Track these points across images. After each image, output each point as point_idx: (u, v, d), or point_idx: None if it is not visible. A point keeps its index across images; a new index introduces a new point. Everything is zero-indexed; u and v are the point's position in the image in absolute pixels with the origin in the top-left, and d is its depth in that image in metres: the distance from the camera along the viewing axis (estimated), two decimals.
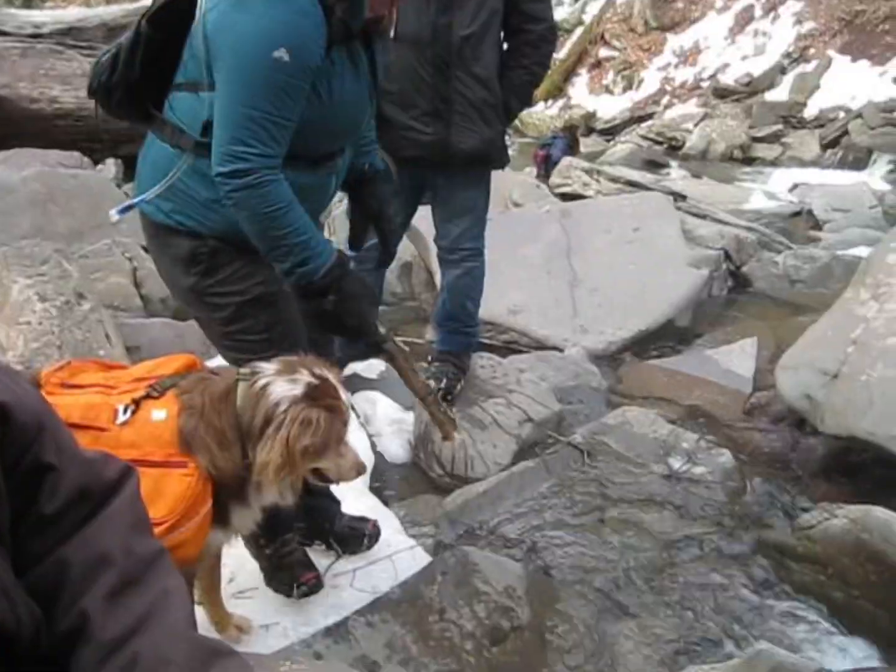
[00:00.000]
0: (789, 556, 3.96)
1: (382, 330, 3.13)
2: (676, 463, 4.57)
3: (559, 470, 4.46)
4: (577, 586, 3.70)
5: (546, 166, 14.57)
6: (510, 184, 9.96)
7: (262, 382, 2.56)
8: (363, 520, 3.72)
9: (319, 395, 2.58)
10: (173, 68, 2.88)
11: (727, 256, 8.30)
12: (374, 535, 3.68)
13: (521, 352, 6.09)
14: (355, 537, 3.64)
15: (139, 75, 2.92)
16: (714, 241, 8.39)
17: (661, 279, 7.21)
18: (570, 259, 7.31)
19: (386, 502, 4.24)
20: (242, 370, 2.65)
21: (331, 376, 2.64)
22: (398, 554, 3.69)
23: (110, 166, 11.07)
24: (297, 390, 2.55)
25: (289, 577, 3.35)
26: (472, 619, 3.34)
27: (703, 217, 9.16)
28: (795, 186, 14.61)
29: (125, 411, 2.47)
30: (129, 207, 3.00)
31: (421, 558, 3.66)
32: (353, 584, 3.50)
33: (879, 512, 3.77)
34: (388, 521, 3.94)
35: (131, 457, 2.33)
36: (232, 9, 2.61)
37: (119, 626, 1.37)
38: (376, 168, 3.37)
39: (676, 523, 4.14)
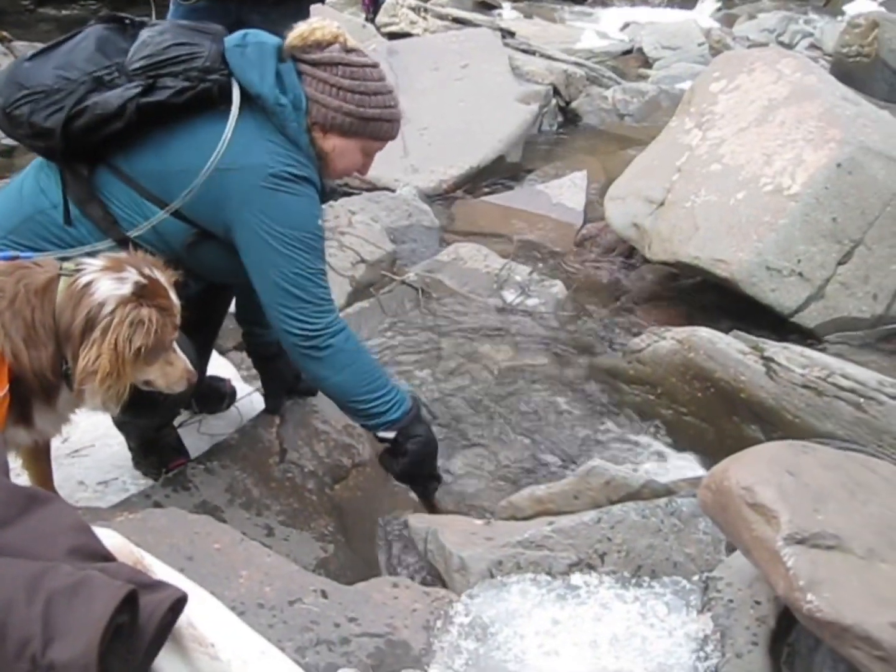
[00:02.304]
0: (621, 379, 4.08)
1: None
2: (510, 296, 4.62)
3: (395, 309, 4.45)
4: None
5: (375, 7, 14.14)
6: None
7: (85, 279, 2.31)
8: (220, 380, 3.64)
9: (149, 295, 2.37)
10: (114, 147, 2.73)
11: (556, 92, 8.28)
12: (233, 394, 3.62)
13: (351, 194, 5.98)
14: (215, 397, 3.57)
15: (96, 141, 2.68)
16: (543, 77, 8.34)
17: (490, 116, 7.16)
18: (399, 98, 7.15)
19: (222, 352, 4.15)
20: (66, 265, 2.39)
21: (161, 276, 2.44)
22: (238, 401, 3.63)
23: None
24: (125, 289, 2.32)
25: (158, 461, 3.23)
26: (313, 458, 3.34)
27: (532, 53, 9.08)
28: (626, 25, 14.66)
29: None
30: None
31: (259, 403, 3.61)
32: (199, 430, 3.45)
33: (704, 332, 3.90)
34: (227, 370, 3.87)
35: None
36: (271, 188, 2.68)
37: None
38: None
39: (512, 354, 4.20)
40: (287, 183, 2.70)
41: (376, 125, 2.83)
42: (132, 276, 2.35)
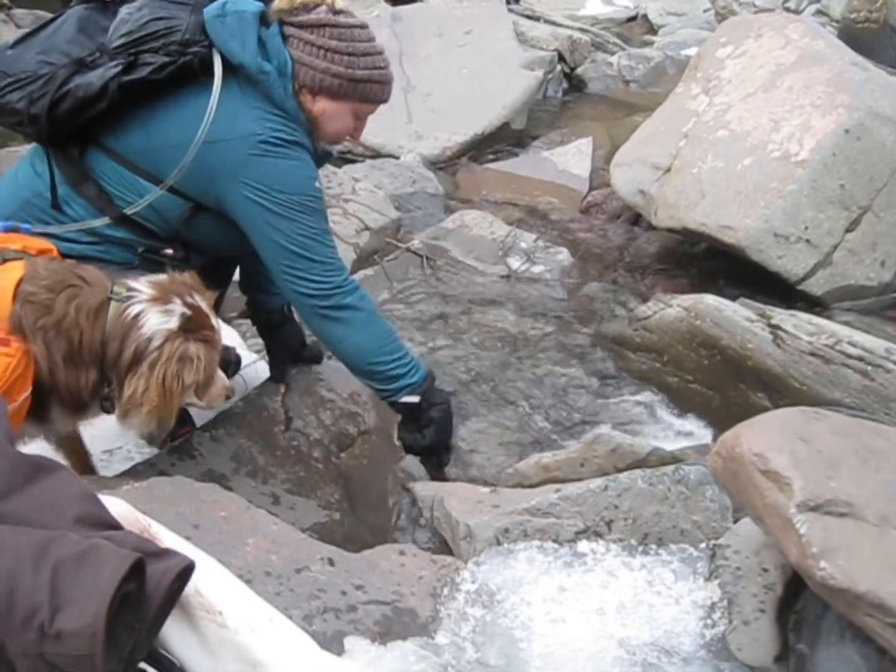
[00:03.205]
0: (627, 347, 4.07)
1: None
2: (515, 263, 4.60)
3: (400, 276, 4.43)
4: None
5: None
6: None
7: (134, 310, 2.35)
8: (225, 348, 3.62)
9: (194, 327, 2.42)
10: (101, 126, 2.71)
11: (561, 58, 8.22)
12: (237, 362, 3.60)
13: (355, 161, 5.94)
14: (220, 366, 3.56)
15: (82, 123, 2.67)
16: (547, 43, 8.27)
17: (494, 82, 7.10)
18: (402, 64, 7.11)
19: (227, 320, 4.13)
20: (116, 288, 2.40)
21: (202, 303, 2.48)
22: (243, 369, 3.62)
23: None
24: (172, 323, 2.37)
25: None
26: (319, 426, 3.32)
27: (537, 20, 9.00)
28: None
29: None
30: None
31: (264, 371, 3.59)
32: None
33: (710, 299, 3.88)
34: (231, 338, 3.85)
35: None
36: (263, 154, 2.66)
37: None
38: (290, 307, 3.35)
39: (517, 321, 4.19)
40: (277, 148, 2.67)
41: (366, 87, 2.79)
42: (178, 308, 2.40)
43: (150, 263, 2.74)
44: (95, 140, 2.75)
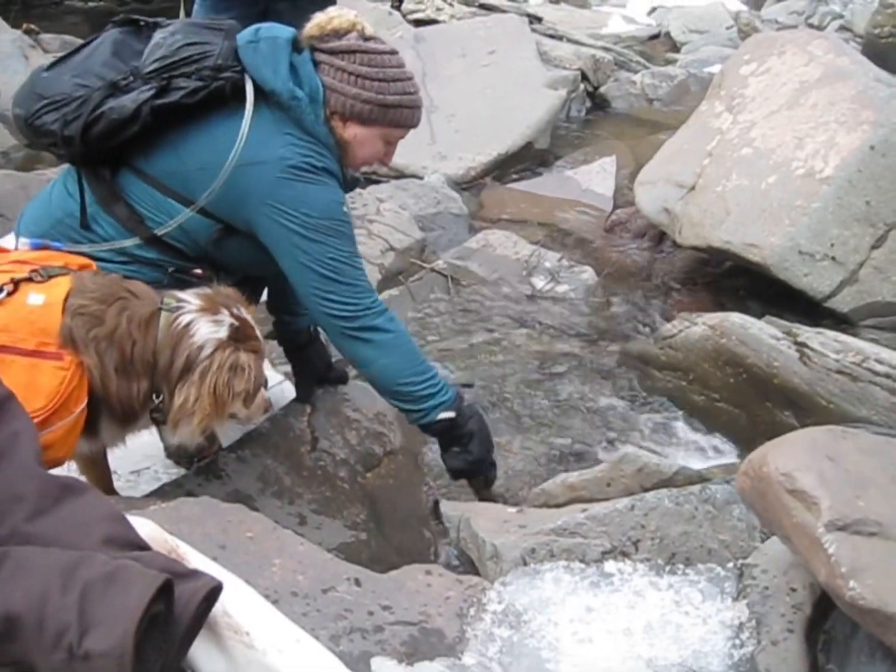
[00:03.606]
0: (653, 366, 4.06)
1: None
2: (540, 282, 4.60)
3: (424, 296, 4.44)
4: None
5: None
6: (361, 12, 9.58)
7: (185, 319, 2.42)
8: None
9: (242, 338, 2.48)
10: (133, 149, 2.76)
11: (584, 77, 8.22)
12: (264, 382, 3.62)
13: (379, 182, 5.96)
14: None
15: (115, 145, 2.72)
16: (571, 63, 8.28)
17: (518, 102, 7.11)
18: (426, 85, 7.13)
19: None
20: (166, 299, 2.48)
21: (248, 315, 2.55)
22: (269, 389, 3.63)
23: None
24: (222, 333, 2.44)
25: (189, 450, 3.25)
26: (345, 446, 3.33)
27: (560, 39, 9.01)
28: (654, 10, 14.46)
29: (0, 291, 2.28)
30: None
31: (290, 392, 3.61)
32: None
33: (736, 317, 3.87)
34: None
35: (0, 342, 2.21)
36: (291, 178, 2.67)
37: None
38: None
39: (542, 340, 4.19)
40: (305, 174, 2.70)
41: (396, 112, 2.81)
42: (227, 318, 2.47)
43: (180, 283, 2.76)
44: (127, 162, 2.79)
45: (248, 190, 2.69)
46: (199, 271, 2.84)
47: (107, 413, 2.43)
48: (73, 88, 2.69)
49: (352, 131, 2.81)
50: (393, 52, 2.82)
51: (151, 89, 2.65)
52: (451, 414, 2.87)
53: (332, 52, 2.77)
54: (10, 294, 2.30)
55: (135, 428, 2.60)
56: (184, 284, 2.73)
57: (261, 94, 2.71)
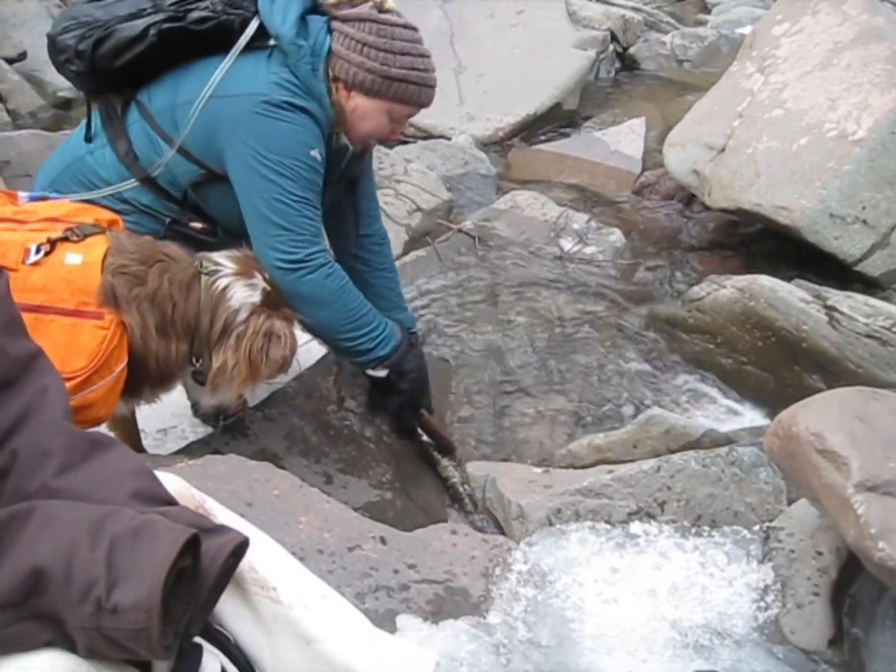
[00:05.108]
0: (680, 329, 4.03)
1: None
2: (567, 244, 4.57)
3: (452, 257, 4.42)
4: (475, 370, 3.73)
5: None
6: None
7: (222, 283, 2.47)
8: None
9: (274, 303, 2.52)
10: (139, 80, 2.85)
11: (613, 38, 8.12)
12: None
13: (406, 142, 5.93)
14: None
15: (120, 67, 2.78)
16: (600, 23, 8.16)
17: (547, 62, 7.04)
18: (454, 45, 7.07)
19: None
20: (204, 262, 2.52)
21: None
22: None
23: None
24: (256, 297, 2.49)
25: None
26: None
27: None
28: None
29: (37, 251, 2.29)
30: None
31: (317, 352, 3.61)
32: None
33: (765, 280, 3.83)
34: None
35: (39, 302, 2.23)
36: (263, 114, 2.68)
37: None
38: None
39: (569, 303, 4.16)
40: (280, 110, 2.69)
41: (401, 86, 2.77)
42: (260, 283, 2.53)
43: (177, 236, 2.80)
44: (136, 97, 2.86)
45: (221, 120, 2.71)
46: (197, 224, 2.89)
47: (143, 373, 2.45)
48: (103, 14, 2.77)
49: (354, 102, 2.80)
50: (408, 27, 2.80)
51: (164, 14, 2.73)
52: (381, 373, 3.01)
53: (344, 20, 2.76)
54: (47, 254, 2.31)
55: (167, 389, 2.63)
56: (181, 238, 2.79)
57: (266, 39, 2.75)
